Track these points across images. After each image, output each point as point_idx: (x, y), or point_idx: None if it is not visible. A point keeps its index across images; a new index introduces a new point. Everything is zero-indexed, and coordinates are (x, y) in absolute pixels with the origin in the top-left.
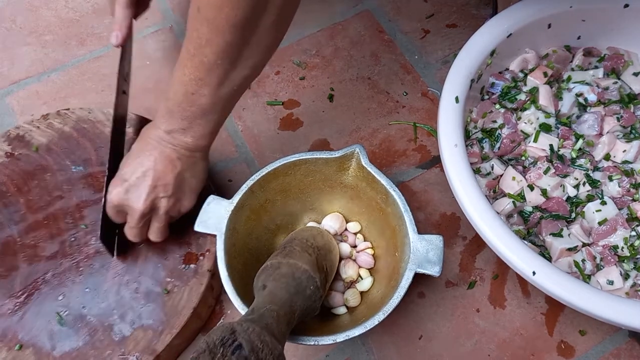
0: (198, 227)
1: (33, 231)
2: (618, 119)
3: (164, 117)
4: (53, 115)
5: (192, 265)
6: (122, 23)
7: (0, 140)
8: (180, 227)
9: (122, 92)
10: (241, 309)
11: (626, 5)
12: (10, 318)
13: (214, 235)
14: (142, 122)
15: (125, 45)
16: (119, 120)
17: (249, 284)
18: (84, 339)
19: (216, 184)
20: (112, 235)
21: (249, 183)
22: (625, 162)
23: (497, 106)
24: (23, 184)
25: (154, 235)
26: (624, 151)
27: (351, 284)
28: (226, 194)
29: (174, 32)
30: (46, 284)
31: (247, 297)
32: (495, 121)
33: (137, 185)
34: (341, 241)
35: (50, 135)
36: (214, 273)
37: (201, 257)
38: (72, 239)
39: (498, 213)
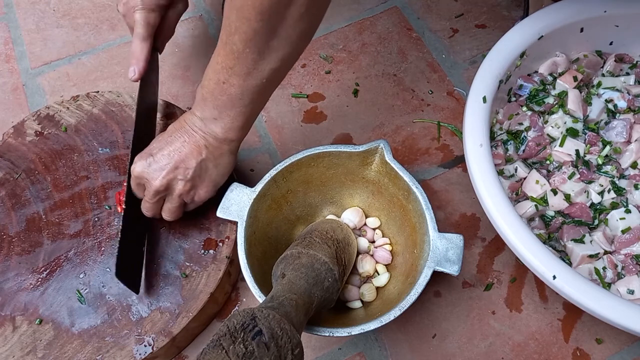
0: (220, 213)
1: (58, 209)
2: None
3: (199, 103)
4: (83, 97)
5: (211, 251)
6: (140, 57)
7: (30, 119)
8: (202, 213)
9: (147, 117)
10: (258, 296)
11: None
12: (32, 293)
13: (235, 222)
14: (170, 108)
15: (149, 77)
16: (139, 142)
17: (267, 272)
18: (103, 317)
19: (238, 172)
20: (137, 270)
21: (272, 173)
22: None
23: (524, 108)
24: (51, 162)
25: (165, 213)
26: None
27: (367, 278)
28: (248, 183)
29: (203, 20)
30: (68, 261)
31: (264, 285)
32: (521, 123)
33: (159, 162)
34: (360, 236)
35: (79, 117)
36: (232, 260)
37: (220, 244)
38: (96, 219)
39: (520, 216)
